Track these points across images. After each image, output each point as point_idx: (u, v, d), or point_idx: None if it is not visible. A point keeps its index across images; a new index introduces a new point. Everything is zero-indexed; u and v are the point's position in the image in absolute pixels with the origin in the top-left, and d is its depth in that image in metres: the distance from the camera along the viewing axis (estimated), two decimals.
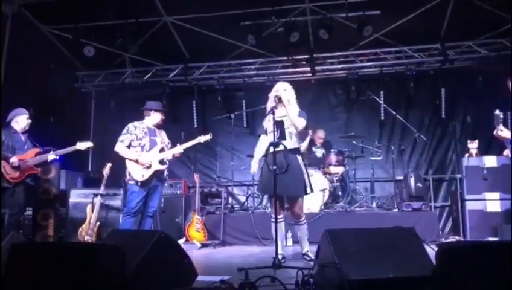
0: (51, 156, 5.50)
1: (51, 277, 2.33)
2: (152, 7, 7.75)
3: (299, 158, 4.51)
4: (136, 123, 5.21)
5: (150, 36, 8.21)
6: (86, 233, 6.12)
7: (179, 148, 5.20)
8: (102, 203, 6.40)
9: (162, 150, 5.15)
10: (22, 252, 2.47)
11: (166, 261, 2.90)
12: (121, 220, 5.68)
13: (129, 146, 5.07)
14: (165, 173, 5.23)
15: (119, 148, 5.04)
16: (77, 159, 8.62)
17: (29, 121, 5.60)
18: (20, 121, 5.55)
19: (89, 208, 6.33)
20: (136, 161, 4.99)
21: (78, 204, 6.79)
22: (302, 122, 4.47)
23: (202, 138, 5.34)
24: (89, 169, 9.31)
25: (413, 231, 2.98)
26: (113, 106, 9.24)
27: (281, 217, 4.48)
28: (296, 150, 4.50)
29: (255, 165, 4.72)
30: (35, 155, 5.48)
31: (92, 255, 2.33)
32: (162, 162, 5.11)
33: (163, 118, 5.31)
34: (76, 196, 6.90)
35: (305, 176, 4.45)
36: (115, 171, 6.06)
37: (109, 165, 6.21)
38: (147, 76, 9.10)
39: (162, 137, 5.27)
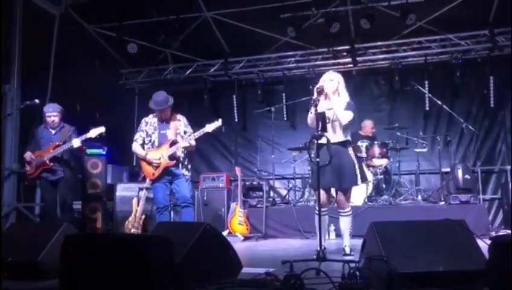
0: (76, 143, 5.31)
1: (104, 268, 2.41)
2: (193, 3, 7.85)
3: (349, 150, 4.42)
4: (148, 117, 5.09)
5: (191, 32, 8.31)
6: (132, 226, 6.29)
7: (185, 142, 4.88)
8: (148, 196, 6.55)
9: (173, 143, 4.90)
10: (76, 243, 2.56)
11: (212, 252, 2.94)
12: None
13: (143, 144, 4.99)
14: (181, 166, 4.94)
15: (133, 147, 5.02)
16: (122, 154, 8.87)
17: (53, 118, 5.48)
18: (45, 118, 5.57)
19: (134, 201, 6.50)
20: (144, 159, 4.90)
21: (124, 198, 6.99)
22: (347, 116, 4.31)
23: (209, 127, 4.91)
24: (134, 164, 9.55)
25: (464, 223, 2.88)
26: None
27: (326, 210, 4.43)
28: (345, 143, 4.41)
29: None
30: (53, 149, 5.37)
31: (143, 246, 2.39)
32: (172, 157, 4.87)
33: (162, 113, 4.96)
34: (122, 190, 7.11)
35: (356, 166, 4.38)
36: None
37: None
38: (188, 71, 9.22)
39: (176, 128, 4.99)
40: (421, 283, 2.46)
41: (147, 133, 5.00)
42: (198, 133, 4.93)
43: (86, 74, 7.95)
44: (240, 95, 9.30)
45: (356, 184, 4.42)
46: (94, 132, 5.36)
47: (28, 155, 5.42)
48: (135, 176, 8.41)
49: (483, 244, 2.79)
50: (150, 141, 4.97)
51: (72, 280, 2.48)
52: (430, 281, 2.49)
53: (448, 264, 2.56)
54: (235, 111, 9.20)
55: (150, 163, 4.88)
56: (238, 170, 7.07)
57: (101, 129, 5.38)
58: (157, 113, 5.03)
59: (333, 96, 4.39)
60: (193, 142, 4.98)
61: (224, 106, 9.36)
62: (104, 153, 6.75)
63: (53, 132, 5.56)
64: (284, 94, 8.89)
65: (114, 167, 8.06)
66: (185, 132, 5.02)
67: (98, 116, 8.26)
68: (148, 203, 6.57)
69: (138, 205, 6.41)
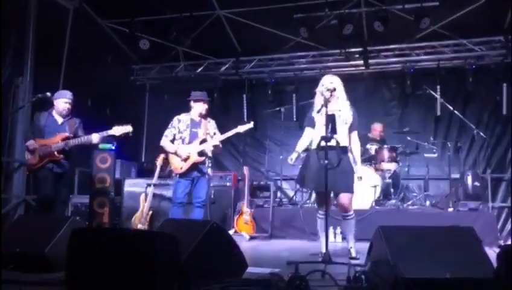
0: (95, 138, 5.12)
1: (109, 262, 2.42)
2: (206, 1, 7.85)
3: (350, 156, 4.44)
4: (181, 116, 5.28)
5: (203, 30, 8.31)
6: (139, 221, 6.32)
7: (215, 140, 5.13)
8: (155, 193, 6.58)
9: (203, 141, 5.13)
10: (83, 236, 2.57)
11: (218, 251, 2.94)
12: None
13: (173, 140, 5.18)
14: (207, 165, 5.17)
15: (163, 142, 5.21)
16: (131, 149, 8.93)
17: (68, 106, 5.24)
18: (58, 104, 5.24)
19: (142, 197, 6.53)
20: (175, 153, 5.10)
21: (132, 193, 7.02)
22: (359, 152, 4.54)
23: (241, 128, 5.22)
24: (142, 160, 9.60)
25: (473, 231, 2.85)
26: (167, 98, 9.47)
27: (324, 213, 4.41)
28: (346, 148, 4.41)
29: (294, 156, 4.61)
30: (62, 140, 5.10)
31: (149, 242, 2.40)
32: (201, 154, 5.09)
33: (206, 107, 5.26)
34: (130, 185, 7.14)
35: (354, 175, 4.38)
36: (168, 163, 6.20)
37: (162, 156, 6.36)
38: (199, 69, 9.24)
39: (206, 128, 5.21)
40: (427, 289, 2.44)
41: (179, 130, 5.20)
42: (230, 133, 5.21)
43: (98, 68, 8.00)
44: (250, 94, 9.29)
45: (350, 191, 4.40)
46: (119, 130, 5.12)
47: (31, 143, 5.02)
48: (144, 171, 8.45)
49: (492, 253, 2.76)
50: (181, 137, 5.18)
51: (78, 273, 2.50)
52: (436, 288, 2.46)
53: (455, 271, 2.53)
54: (245, 110, 9.19)
55: (179, 156, 5.07)
56: (246, 170, 7.07)
57: (128, 128, 5.15)
58: (198, 108, 5.19)
59: (338, 99, 4.39)
60: (220, 145, 5.23)
61: (234, 105, 9.36)
62: (113, 148, 6.79)
63: (60, 121, 5.25)
64: (294, 95, 8.86)
65: (123, 163, 8.10)
66: (215, 133, 5.26)
67: (108, 112, 8.31)
68: (155, 199, 6.60)
69: (145, 201, 6.44)
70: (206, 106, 5.25)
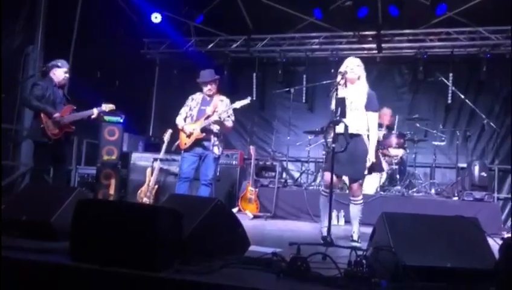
0: (95, 112, 5.19)
1: (113, 234, 2.45)
2: None
3: (365, 140, 4.35)
4: (195, 94, 5.40)
5: (216, 6, 8.22)
6: (145, 195, 6.38)
7: (215, 116, 5.13)
8: (162, 167, 6.62)
9: (208, 118, 5.17)
10: (87, 208, 2.60)
11: (221, 228, 2.96)
12: None
13: (186, 118, 5.31)
14: (213, 143, 5.18)
15: (177, 120, 5.35)
16: (139, 123, 8.95)
17: (67, 75, 5.19)
18: (58, 73, 5.12)
19: (148, 171, 6.57)
20: (182, 130, 5.23)
21: (138, 167, 7.06)
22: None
23: (238, 103, 5.22)
24: (150, 134, 9.63)
25: (477, 222, 2.84)
26: (176, 73, 9.43)
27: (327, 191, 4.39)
28: (359, 134, 4.35)
29: None
30: (71, 112, 5.14)
31: (153, 216, 2.42)
32: (204, 130, 5.14)
33: (209, 88, 5.27)
34: (137, 159, 7.17)
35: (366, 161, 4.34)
36: (175, 138, 6.22)
37: (170, 131, 6.37)
38: (210, 46, 9.17)
39: (216, 106, 5.25)
40: (427, 278, 2.45)
41: (190, 107, 5.33)
42: (227, 108, 5.23)
43: (109, 40, 7.95)
44: (260, 73, 9.23)
45: (362, 177, 4.37)
46: (107, 107, 5.28)
47: (58, 116, 4.98)
48: (151, 146, 8.48)
49: (494, 244, 2.76)
50: (191, 114, 5.29)
51: (82, 243, 2.53)
52: (437, 277, 2.47)
53: (456, 261, 2.53)
54: (254, 89, 9.14)
55: (184, 133, 5.20)
56: (252, 149, 7.07)
57: (111, 106, 5.33)
58: (207, 87, 5.28)
59: (357, 82, 4.32)
60: (229, 124, 5.29)
61: (243, 83, 9.31)
62: (121, 121, 6.80)
63: (60, 92, 5.20)
64: (304, 76, 8.80)
65: (130, 136, 8.13)
66: (226, 113, 5.27)
67: (117, 84, 8.31)
68: (161, 174, 6.64)
69: (152, 175, 6.48)
70: (209, 87, 5.28)
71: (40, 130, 4.92)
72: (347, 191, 4.67)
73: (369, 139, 4.37)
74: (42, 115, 4.94)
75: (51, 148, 5.03)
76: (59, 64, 5.16)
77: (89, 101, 5.46)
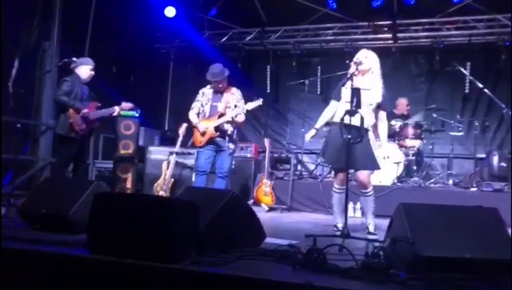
0: (117, 110, 5.45)
1: (130, 227, 2.47)
2: None
3: (371, 134, 4.34)
4: (205, 88, 5.38)
5: None
6: (161, 188, 6.42)
7: (228, 116, 5.14)
8: (177, 161, 6.65)
9: (221, 115, 5.18)
10: (105, 201, 2.62)
11: (237, 220, 2.96)
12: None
13: (199, 113, 5.31)
14: (226, 141, 5.21)
15: (190, 115, 5.36)
16: (155, 117, 9.00)
17: (93, 73, 5.31)
18: (83, 71, 5.26)
19: (164, 164, 6.60)
20: (196, 127, 5.25)
21: (154, 160, 7.09)
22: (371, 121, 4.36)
23: (249, 105, 5.26)
24: (166, 128, 9.68)
25: (497, 212, 2.79)
26: (190, 67, 9.45)
27: (344, 188, 4.37)
28: (367, 129, 4.33)
29: (311, 134, 4.60)
30: (96, 109, 5.29)
31: (170, 208, 2.43)
32: (217, 129, 5.15)
33: (220, 85, 5.24)
34: (153, 153, 7.21)
35: (374, 152, 4.31)
36: (190, 132, 6.24)
37: (185, 125, 6.38)
38: (224, 39, 9.15)
39: (227, 101, 5.25)
40: (446, 269, 2.42)
41: (202, 103, 5.32)
42: (240, 110, 5.22)
43: (124, 34, 7.98)
44: (274, 65, 9.19)
45: (367, 169, 4.35)
46: (127, 106, 5.54)
47: (86, 112, 5.14)
48: (166, 139, 8.53)
49: None
50: (203, 111, 5.29)
51: (100, 235, 2.56)
52: (455, 268, 2.44)
53: (475, 251, 2.49)
54: (268, 82, 9.11)
55: (198, 131, 5.22)
56: (267, 142, 7.05)
57: (131, 105, 5.60)
58: (213, 85, 5.29)
59: (370, 75, 4.28)
60: (240, 118, 5.26)
61: (257, 76, 9.29)
62: (137, 115, 6.84)
63: (86, 89, 5.33)
64: (319, 67, 8.75)
65: (146, 130, 8.18)
66: (236, 106, 5.26)
67: (132, 79, 8.36)
68: (177, 167, 6.68)
69: (168, 169, 6.52)
70: (219, 85, 5.25)
71: (68, 125, 5.08)
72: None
73: (375, 132, 4.40)
74: (71, 110, 5.09)
75: (77, 143, 5.20)
76: (88, 60, 5.35)
77: (105, 96, 5.56)
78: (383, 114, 4.45)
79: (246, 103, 5.29)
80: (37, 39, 6.93)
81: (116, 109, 5.43)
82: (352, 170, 4.37)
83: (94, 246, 2.54)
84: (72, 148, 5.22)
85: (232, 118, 5.17)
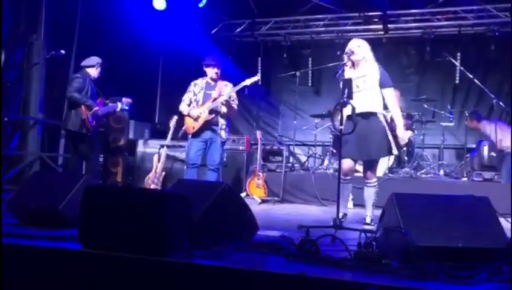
0: (119, 106, 5.73)
1: (122, 220, 2.45)
2: None
3: (381, 119, 4.28)
4: (197, 80, 5.38)
5: None
6: (152, 182, 6.38)
7: (224, 96, 5.17)
8: (168, 154, 6.61)
9: (215, 100, 5.19)
10: (96, 194, 2.59)
11: (230, 212, 2.95)
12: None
13: (190, 104, 5.29)
14: (220, 126, 5.23)
15: (181, 107, 5.33)
16: (145, 110, 8.91)
17: (99, 69, 5.63)
18: (95, 70, 5.59)
19: (155, 158, 6.57)
20: (188, 115, 5.22)
21: (145, 154, 7.06)
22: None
23: (248, 81, 5.27)
24: (156, 121, 9.61)
25: (488, 201, 2.80)
26: (180, 59, 9.35)
27: (349, 179, 4.37)
28: (376, 112, 4.26)
29: None
30: (103, 105, 5.62)
31: (161, 201, 2.41)
32: (211, 111, 5.15)
33: (216, 71, 5.28)
34: (143, 146, 7.17)
35: (389, 137, 4.27)
36: (181, 124, 6.19)
37: (175, 117, 6.35)
38: (214, 30, 9.08)
39: (221, 90, 5.26)
40: (438, 257, 2.42)
41: (194, 92, 5.31)
42: (238, 87, 5.24)
43: (113, 26, 7.88)
44: (265, 57, 9.15)
45: (383, 156, 4.32)
46: (127, 101, 5.82)
47: (97, 109, 5.45)
48: (157, 132, 8.47)
49: (506, 223, 2.73)
50: (196, 100, 5.27)
51: (91, 229, 2.53)
52: (448, 256, 2.44)
53: (467, 240, 2.50)
54: (259, 74, 9.03)
55: (191, 118, 5.19)
56: (259, 134, 7.04)
57: (129, 101, 5.87)
58: (209, 71, 5.28)
59: (360, 64, 4.26)
60: (235, 106, 5.31)
61: (248, 68, 9.20)
62: (127, 108, 6.76)
63: (94, 86, 5.60)
64: (310, 59, 8.72)
65: (136, 123, 8.10)
66: (230, 97, 5.27)
67: (122, 71, 8.25)
68: (168, 160, 6.64)
69: (159, 162, 6.48)
70: (215, 70, 5.27)
71: (81, 122, 5.30)
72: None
73: (385, 118, 4.29)
74: (83, 107, 5.31)
75: (88, 139, 5.43)
76: (98, 59, 5.59)
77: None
78: (387, 92, 4.30)
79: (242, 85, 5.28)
80: (23, 31, 6.82)
81: (119, 104, 5.67)
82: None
83: (85, 240, 2.51)
84: (83, 145, 5.45)
85: (228, 100, 5.18)
